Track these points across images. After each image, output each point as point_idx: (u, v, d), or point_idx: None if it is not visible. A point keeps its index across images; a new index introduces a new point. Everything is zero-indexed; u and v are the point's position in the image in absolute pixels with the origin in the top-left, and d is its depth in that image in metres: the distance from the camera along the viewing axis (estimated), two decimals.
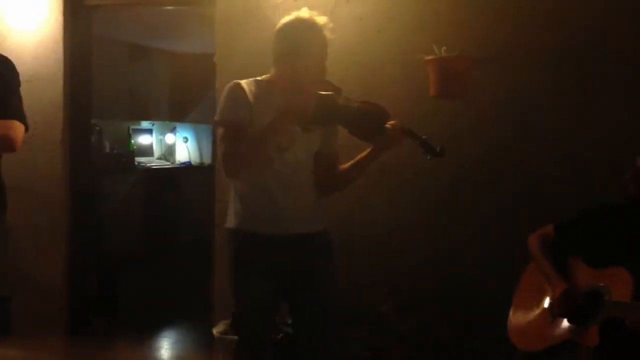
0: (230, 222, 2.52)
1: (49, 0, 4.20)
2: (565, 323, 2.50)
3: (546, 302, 2.61)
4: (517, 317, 2.74)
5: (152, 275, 5.93)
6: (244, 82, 2.45)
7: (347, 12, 3.59)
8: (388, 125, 2.45)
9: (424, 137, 2.48)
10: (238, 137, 2.38)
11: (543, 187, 3.33)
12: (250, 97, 2.40)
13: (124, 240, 6.05)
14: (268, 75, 2.49)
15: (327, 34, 2.43)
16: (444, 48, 3.13)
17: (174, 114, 8.09)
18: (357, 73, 3.56)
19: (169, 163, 7.67)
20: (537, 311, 2.62)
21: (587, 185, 3.20)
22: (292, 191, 2.44)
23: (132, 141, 7.14)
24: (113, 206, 5.82)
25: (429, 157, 2.51)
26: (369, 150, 2.52)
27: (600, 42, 3.26)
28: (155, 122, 7.74)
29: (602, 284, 2.44)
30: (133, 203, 6.56)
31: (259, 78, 2.49)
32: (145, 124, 7.63)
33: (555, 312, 2.52)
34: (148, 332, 4.50)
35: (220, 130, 2.44)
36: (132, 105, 7.57)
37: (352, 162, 2.57)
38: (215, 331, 3.42)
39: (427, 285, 3.46)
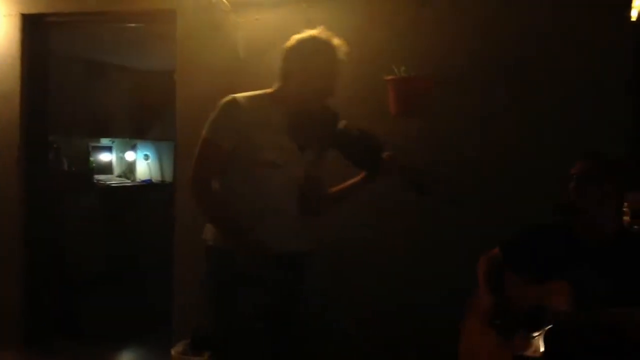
0: (210, 237, 2.48)
1: (5, 17, 4.15)
2: (513, 339, 2.57)
3: None
4: (467, 341, 2.81)
5: (112, 294, 5.83)
6: (241, 97, 2.42)
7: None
8: (385, 156, 2.50)
9: (415, 173, 2.53)
10: (216, 159, 2.38)
11: (508, 203, 3.38)
12: (246, 113, 2.38)
13: (84, 259, 5.96)
14: (270, 90, 2.47)
15: (341, 55, 2.44)
16: (403, 68, 3.17)
17: (134, 131, 8.02)
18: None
19: (129, 181, 7.57)
20: (485, 334, 2.67)
21: (554, 199, 3.26)
22: (278, 210, 2.42)
23: (92, 159, 7.05)
24: (72, 225, 5.72)
25: (415, 193, 2.56)
26: (360, 177, 2.55)
27: (557, 57, 3.34)
28: (116, 140, 7.65)
29: (545, 297, 2.54)
30: (93, 222, 6.45)
31: (259, 92, 2.47)
32: (105, 142, 7.54)
33: (492, 327, 2.60)
34: (108, 352, 4.44)
35: (201, 145, 2.42)
36: (91, 122, 7.47)
37: (341, 186, 2.60)
38: (174, 351, 3.39)
39: (390, 302, 3.48)
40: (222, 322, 2.48)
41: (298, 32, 3.45)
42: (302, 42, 2.43)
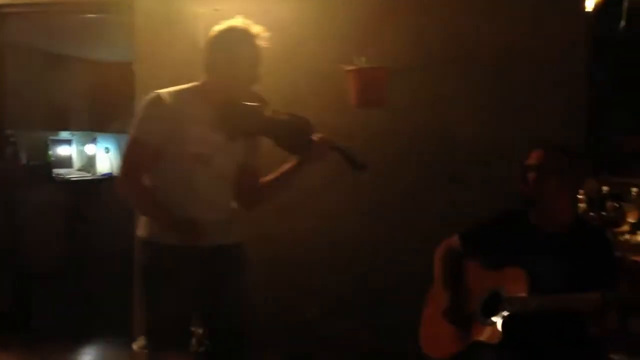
0: (142, 231, 2.48)
1: None
2: (469, 326, 2.62)
3: None
4: (427, 327, 2.86)
5: (71, 289, 5.75)
6: (165, 93, 2.41)
7: (267, 22, 3.58)
8: (315, 138, 2.49)
9: (348, 150, 2.53)
10: (144, 157, 2.38)
11: (466, 192, 3.43)
12: (171, 109, 2.37)
13: (43, 254, 5.85)
14: (195, 83, 2.47)
15: (261, 43, 2.44)
16: (363, 58, 3.19)
17: (94, 124, 7.89)
18: (278, 83, 3.58)
19: (89, 174, 7.46)
20: (445, 319, 2.71)
21: (510, 188, 3.31)
22: (208, 202, 2.42)
23: (51, 152, 6.93)
24: (31, 219, 5.62)
25: (352, 170, 2.57)
26: (292, 162, 2.53)
27: (514, 49, 3.40)
28: (75, 133, 7.52)
29: (501, 283, 2.59)
30: (52, 216, 6.35)
31: (184, 86, 2.46)
32: (64, 135, 7.41)
33: (446, 318, 2.66)
34: (67, 348, 4.36)
35: (128, 144, 2.42)
36: (50, 115, 7.34)
37: (275, 174, 2.57)
38: (135, 346, 3.36)
39: (354, 292, 3.51)
40: (157, 315, 2.47)
41: (257, 23, 3.45)
42: (221, 33, 2.43)
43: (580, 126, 3.42)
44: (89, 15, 4.66)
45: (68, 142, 7.40)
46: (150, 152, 2.37)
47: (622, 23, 6.46)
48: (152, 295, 2.46)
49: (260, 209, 2.62)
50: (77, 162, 7.53)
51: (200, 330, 2.85)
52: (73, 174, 7.23)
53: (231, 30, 2.42)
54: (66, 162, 7.30)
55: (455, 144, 3.45)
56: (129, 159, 2.42)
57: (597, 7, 4.20)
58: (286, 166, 2.55)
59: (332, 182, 3.56)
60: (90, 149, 7.58)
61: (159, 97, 2.39)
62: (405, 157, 3.51)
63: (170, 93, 2.42)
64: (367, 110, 3.31)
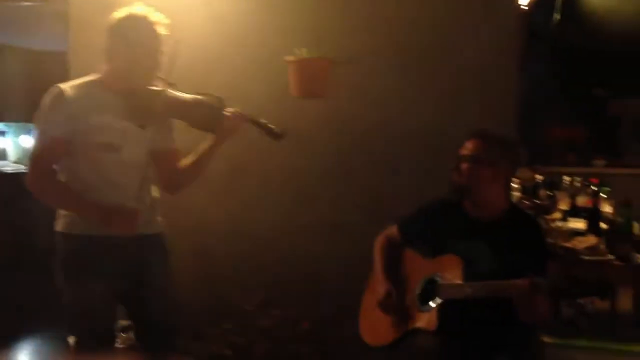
0: (59, 224, 2.46)
1: None
2: (407, 314, 2.67)
3: None
4: (366, 315, 2.89)
5: (7, 284, 5.60)
6: (67, 87, 2.40)
7: (207, 13, 3.59)
8: (227, 112, 2.52)
9: (262, 121, 2.58)
10: (52, 151, 2.36)
11: (403, 183, 3.48)
12: (74, 101, 2.36)
13: None
14: (98, 74, 2.46)
15: (161, 30, 2.43)
16: (304, 49, 3.20)
17: (30, 114, 7.65)
18: (219, 74, 3.57)
19: (25, 167, 7.26)
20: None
21: (446, 179, 3.38)
22: (123, 191, 2.41)
23: None
24: None
25: (271, 139, 2.63)
26: (209, 141, 2.55)
27: (449, 40, 3.46)
28: (10, 124, 7.31)
29: (438, 270, 2.65)
30: None
31: (87, 78, 2.46)
32: None
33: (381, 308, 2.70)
34: (1, 343, 4.26)
35: (36, 140, 2.41)
36: None
37: (194, 155, 2.59)
38: (71, 340, 3.29)
39: (291, 280, 3.53)
40: (77, 307, 2.45)
41: (196, 13, 3.44)
42: (119, 21, 2.42)
43: (515, 117, 3.49)
44: (24, 4, 4.54)
45: (2, 133, 7.20)
46: (58, 145, 2.36)
47: (556, 17, 6.66)
48: (75, 288, 2.43)
49: (187, 193, 2.67)
50: (12, 154, 7.33)
51: (126, 323, 2.84)
52: (8, 166, 7.04)
53: (129, 18, 2.41)
54: (1, 155, 7.10)
55: (394, 134, 3.50)
56: (38, 156, 2.39)
57: (532, 1, 4.32)
58: (204, 145, 2.57)
59: (268, 170, 3.58)
60: (26, 140, 7.38)
61: (60, 90, 2.38)
62: (345, 147, 3.54)
63: (72, 86, 2.41)
64: (309, 101, 3.32)
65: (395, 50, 3.49)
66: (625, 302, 4.82)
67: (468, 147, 2.71)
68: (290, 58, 3.16)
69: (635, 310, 4.87)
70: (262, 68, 3.54)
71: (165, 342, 2.56)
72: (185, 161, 2.60)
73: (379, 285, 2.74)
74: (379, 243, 2.92)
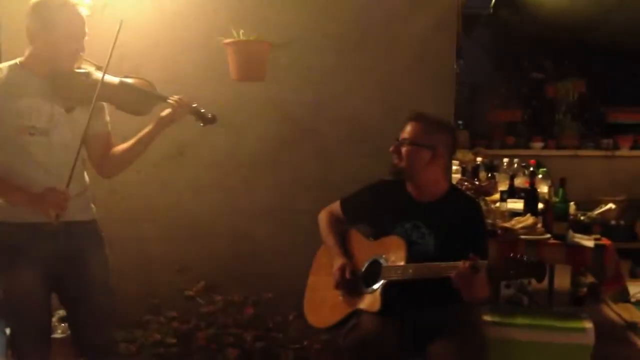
0: None
1: None
2: (352, 294, 2.68)
3: None
4: (311, 297, 2.90)
5: None
6: None
7: None
8: (171, 100, 2.52)
9: (194, 106, 2.59)
10: None
11: (343, 164, 3.48)
12: None
13: None
14: (21, 58, 2.40)
15: (83, 10, 2.38)
16: (242, 31, 3.15)
17: None
18: (156, 57, 3.49)
19: None
20: (329, 289, 2.76)
21: (386, 161, 3.40)
22: (53, 176, 2.35)
23: None
24: None
25: (202, 125, 2.63)
26: (150, 127, 2.53)
27: (388, 27, 3.46)
28: None
29: (382, 252, 2.67)
30: None
31: (10, 62, 2.40)
32: None
33: (336, 286, 2.70)
34: None
35: None
36: None
37: (133, 140, 2.56)
38: (8, 331, 3.20)
39: (233, 266, 3.50)
40: (10, 297, 2.40)
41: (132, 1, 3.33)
42: (38, 3, 2.37)
43: (454, 100, 3.52)
44: None
45: None
46: None
47: (492, 1, 6.75)
48: (7, 278, 2.37)
49: (126, 178, 2.70)
50: None
51: (61, 312, 2.78)
52: None
53: (49, 0, 2.35)
54: None
55: (334, 116, 3.49)
56: None
57: None
58: (144, 131, 2.55)
59: (207, 154, 3.53)
60: None
61: None
62: (287, 129, 3.52)
63: None
64: (248, 84, 3.28)
65: (334, 32, 3.47)
66: (562, 280, 4.98)
67: (407, 130, 2.73)
68: (227, 40, 3.11)
69: (573, 288, 5.04)
70: (200, 51, 3.47)
71: (99, 331, 2.51)
72: (122, 146, 2.57)
73: (335, 260, 2.74)
74: (324, 219, 2.93)
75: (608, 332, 4.35)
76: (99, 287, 2.49)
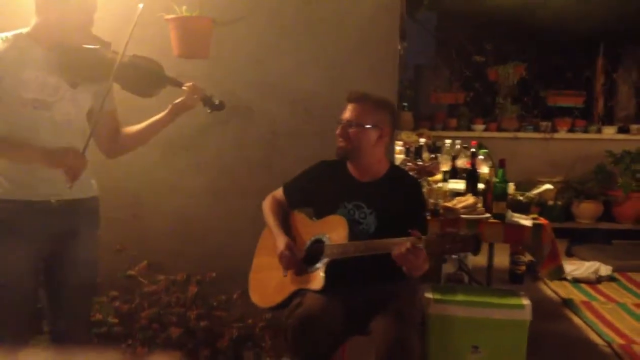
0: None
1: None
2: (295, 274, 2.70)
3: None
4: (256, 278, 2.91)
5: None
6: None
7: None
8: (185, 87, 2.48)
9: (208, 94, 2.56)
10: None
11: (291, 145, 3.47)
12: (2, 53, 2.21)
13: None
14: (27, 28, 2.30)
15: None
16: (184, 7, 3.09)
17: None
18: (97, 32, 3.38)
19: None
20: (273, 269, 2.78)
21: (333, 142, 3.42)
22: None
23: None
24: None
25: (209, 111, 2.59)
26: (164, 113, 2.50)
27: (333, 4, 3.44)
28: None
29: (325, 231, 2.70)
30: None
31: (16, 31, 2.29)
32: None
33: (281, 265, 2.72)
34: None
35: None
36: None
37: (146, 123, 2.53)
38: None
39: (176, 245, 3.47)
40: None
41: None
42: None
43: (397, 81, 3.55)
44: None
45: None
46: None
47: None
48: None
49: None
50: None
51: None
52: None
53: None
54: None
55: (279, 95, 3.47)
56: None
57: None
58: (159, 116, 2.52)
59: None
60: None
61: None
62: (230, 108, 3.47)
63: (2, 38, 2.25)
64: (190, 61, 3.23)
65: (280, 12, 3.44)
66: (502, 258, 5.12)
67: (351, 112, 2.74)
68: (169, 16, 3.05)
69: (512, 266, 5.19)
70: (143, 26, 3.38)
71: (78, 314, 2.48)
72: (133, 128, 2.53)
73: (278, 241, 2.75)
74: (267, 204, 2.94)
75: (545, 308, 4.51)
76: (86, 270, 2.44)
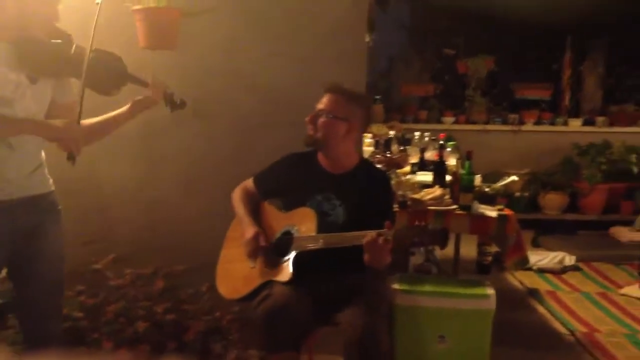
0: None
1: None
2: (263, 266, 2.71)
3: None
4: (224, 269, 2.91)
5: None
6: None
7: None
8: (149, 81, 2.44)
9: (169, 92, 2.53)
10: None
11: (260, 136, 3.46)
12: None
13: None
14: None
15: None
16: None
17: None
18: (63, 23, 3.33)
19: None
20: (241, 260, 2.78)
21: (302, 133, 3.42)
22: (18, 153, 2.24)
23: None
24: None
25: (170, 110, 2.55)
26: (126, 109, 2.47)
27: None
28: None
29: (294, 223, 2.71)
30: None
31: None
32: None
33: (248, 255, 2.71)
34: None
35: None
36: None
37: (104, 118, 2.48)
38: None
39: (144, 238, 3.45)
40: None
41: None
42: None
43: (372, 75, 3.57)
44: None
45: None
46: None
47: None
48: None
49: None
50: None
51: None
52: None
53: None
54: None
55: (248, 88, 3.46)
56: None
57: None
58: (119, 111, 2.48)
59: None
60: None
61: None
62: (200, 100, 3.46)
63: None
64: (159, 52, 3.20)
65: (248, 2, 3.43)
66: (469, 249, 5.18)
67: (324, 101, 2.76)
68: (136, 7, 3.02)
69: (479, 257, 5.25)
70: (108, 17, 3.34)
71: (49, 310, 2.45)
72: (90, 121, 2.47)
73: (246, 230, 2.74)
74: (237, 194, 2.94)
75: (510, 298, 4.58)
76: (53, 264, 2.41)
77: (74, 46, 2.32)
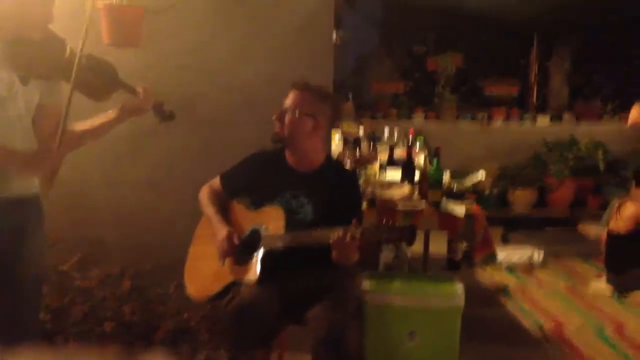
0: None
1: None
2: (232, 264, 2.69)
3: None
4: (192, 266, 2.89)
5: None
6: None
7: None
8: (139, 89, 2.40)
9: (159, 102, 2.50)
10: None
11: (227, 134, 3.44)
12: None
13: None
14: None
15: None
16: None
17: None
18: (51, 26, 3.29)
19: None
20: (210, 258, 2.76)
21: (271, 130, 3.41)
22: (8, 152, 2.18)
23: None
24: None
25: (159, 121, 2.55)
26: (113, 114, 2.42)
27: None
28: None
29: (262, 222, 2.69)
30: None
31: None
32: None
33: (220, 255, 2.69)
34: None
35: None
36: None
37: (95, 123, 2.44)
38: None
39: (110, 238, 3.41)
40: None
41: None
42: None
43: (342, 72, 3.57)
44: None
45: None
46: None
47: None
48: None
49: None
50: None
51: None
52: None
53: None
54: None
55: (216, 85, 3.44)
56: None
57: None
58: (107, 116, 2.43)
59: None
60: None
61: None
62: (166, 98, 3.43)
63: None
64: (124, 50, 3.16)
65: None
66: (440, 246, 5.20)
67: (291, 99, 2.74)
68: (100, 4, 2.98)
69: (449, 253, 5.28)
70: (72, 14, 3.30)
71: (28, 314, 2.39)
72: (80, 127, 2.43)
73: (218, 229, 2.72)
74: (205, 194, 2.92)
75: (480, 294, 4.61)
76: (36, 265, 2.35)
77: (68, 50, 2.27)
